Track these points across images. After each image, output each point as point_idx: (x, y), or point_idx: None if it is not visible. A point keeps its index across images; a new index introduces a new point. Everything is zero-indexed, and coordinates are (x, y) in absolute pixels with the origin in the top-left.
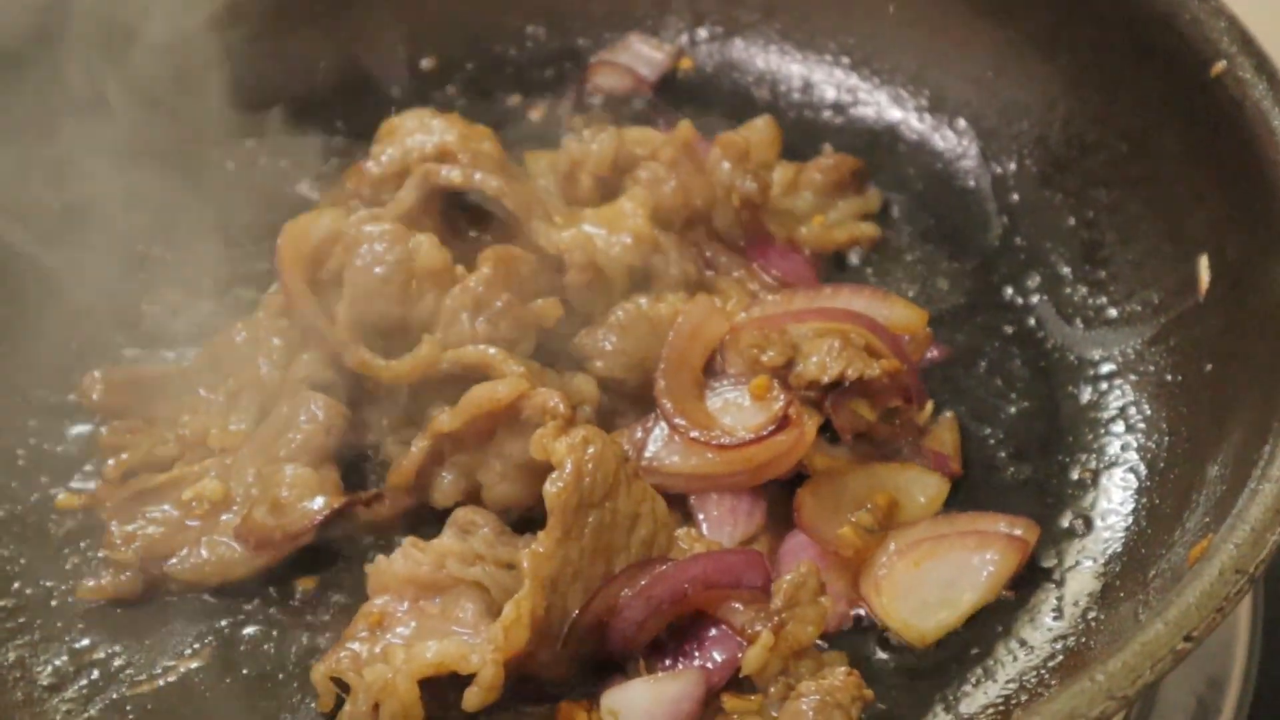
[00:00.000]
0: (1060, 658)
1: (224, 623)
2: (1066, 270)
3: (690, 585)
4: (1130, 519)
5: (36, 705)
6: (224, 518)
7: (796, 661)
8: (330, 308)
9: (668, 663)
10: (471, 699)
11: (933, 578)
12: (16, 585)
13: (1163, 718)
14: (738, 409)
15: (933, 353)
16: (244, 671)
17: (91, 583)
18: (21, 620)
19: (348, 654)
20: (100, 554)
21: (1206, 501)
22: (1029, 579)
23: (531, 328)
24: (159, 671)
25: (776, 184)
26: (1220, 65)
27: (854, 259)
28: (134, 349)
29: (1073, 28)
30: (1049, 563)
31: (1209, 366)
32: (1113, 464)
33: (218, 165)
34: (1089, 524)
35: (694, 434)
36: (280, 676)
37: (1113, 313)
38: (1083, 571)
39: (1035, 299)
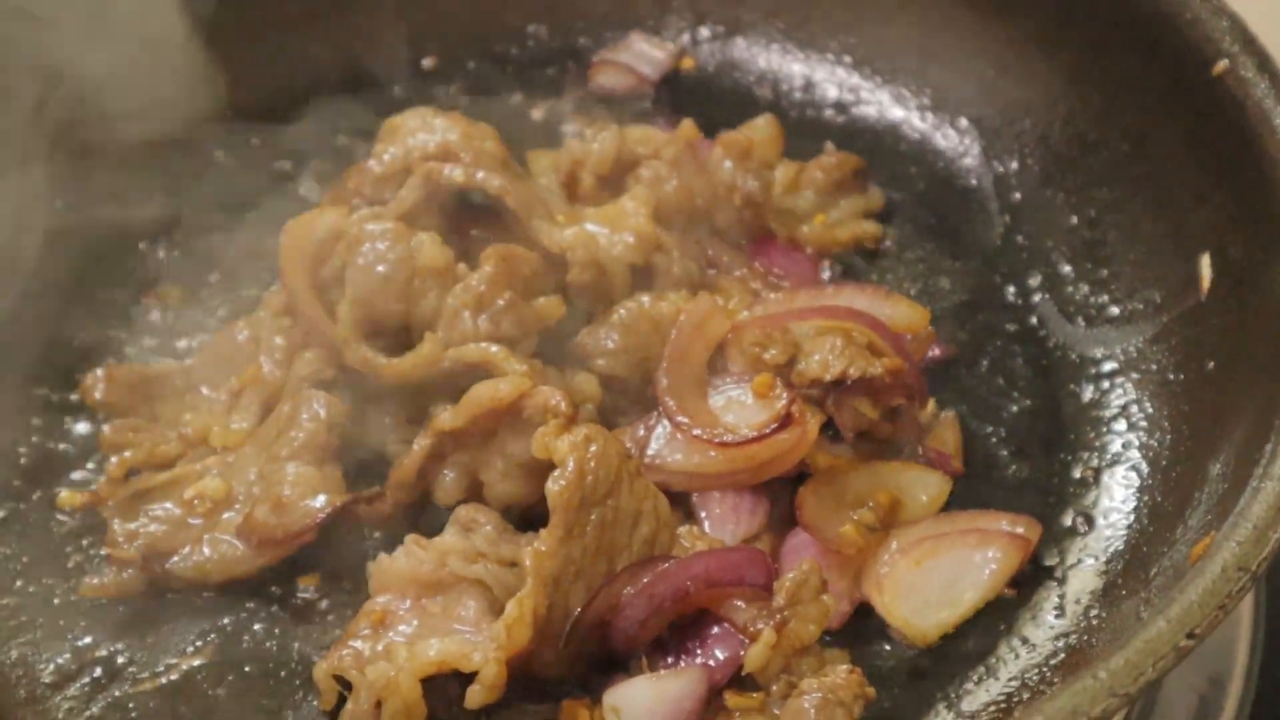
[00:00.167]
0: (1062, 655)
1: (226, 621)
2: (1068, 269)
3: (692, 583)
4: (1132, 517)
5: (39, 703)
6: (226, 516)
7: (798, 659)
8: (332, 306)
9: (670, 661)
10: (474, 697)
11: (935, 576)
12: (19, 583)
13: (1164, 715)
14: (740, 407)
15: (935, 351)
16: (246, 669)
17: (94, 581)
18: (24, 618)
19: (350, 652)
20: (102, 552)
21: (1209, 499)
22: (1031, 577)
23: (533, 326)
24: (161, 669)
25: (778, 183)
26: (1222, 64)
27: (856, 258)
28: (136, 347)
29: (1075, 27)
30: (1051, 561)
31: (1211, 365)
32: (1115, 462)
33: (220, 163)
34: (1091, 522)
35: (696, 432)
36: (282, 674)
37: (1114, 311)
38: (1085, 569)
39: (1037, 297)
